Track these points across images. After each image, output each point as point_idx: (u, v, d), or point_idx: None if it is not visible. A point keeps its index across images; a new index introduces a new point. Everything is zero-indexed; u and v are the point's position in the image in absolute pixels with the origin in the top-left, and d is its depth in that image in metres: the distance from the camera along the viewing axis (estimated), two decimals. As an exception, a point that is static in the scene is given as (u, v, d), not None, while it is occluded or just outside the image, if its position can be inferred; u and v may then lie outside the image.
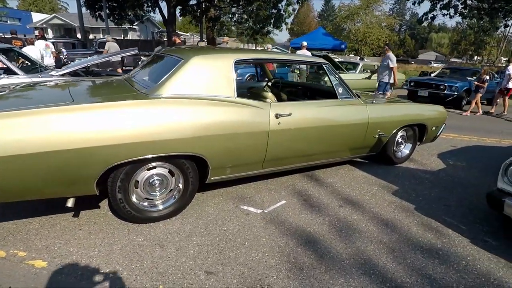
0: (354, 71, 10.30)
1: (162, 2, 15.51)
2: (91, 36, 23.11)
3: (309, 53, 8.64)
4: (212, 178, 2.52)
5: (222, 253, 2.05)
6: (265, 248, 2.12)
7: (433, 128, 3.87)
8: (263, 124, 2.50)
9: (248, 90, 3.40)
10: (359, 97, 3.28)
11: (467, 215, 2.69)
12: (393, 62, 6.99)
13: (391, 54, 7.05)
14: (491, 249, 2.23)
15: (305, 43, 9.18)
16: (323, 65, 3.02)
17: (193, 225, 2.35)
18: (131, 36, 30.71)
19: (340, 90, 3.06)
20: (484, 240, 2.35)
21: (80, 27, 18.72)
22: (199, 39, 17.93)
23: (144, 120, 2.03)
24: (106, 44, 8.65)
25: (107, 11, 16.31)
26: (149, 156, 2.08)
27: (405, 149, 3.88)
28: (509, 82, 8.20)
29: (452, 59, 47.94)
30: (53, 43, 10.29)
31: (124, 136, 1.97)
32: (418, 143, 3.99)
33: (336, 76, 3.06)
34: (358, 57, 38.30)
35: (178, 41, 6.71)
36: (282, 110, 2.61)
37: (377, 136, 3.30)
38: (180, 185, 2.39)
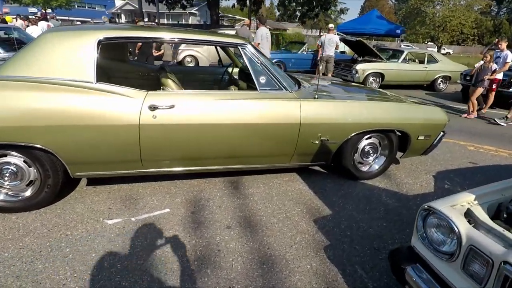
0: (397, 60, 8.82)
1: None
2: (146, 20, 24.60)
3: (268, 32, 6.89)
4: (77, 173, 2.20)
5: (33, 263, 1.74)
6: (81, 267, 1.74)
7: (421, 138, 2.91)
8: (130, 117, 2.07)
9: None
10: (298, 87, 2.59)
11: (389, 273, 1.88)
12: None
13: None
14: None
15: (331, 25, 8.13)
16: (239, 47, 2.40)
17: (42, 223, 2.09)
18: (191, 21, 31.81)
19: (263, 79, 2.42)
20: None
21: (139, 11, 20.00)
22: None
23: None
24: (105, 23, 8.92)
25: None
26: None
27: (375, 162, 3.01)
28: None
29: None
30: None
31: None
32: (400, 157, 3.07)
33: (258, 61, 2.41)
34: (436, 46, 33.53)
35: None
36: (162, 101, 2.13)
37: (318, 141, 2.57)
38: (39, 177, 2.13)
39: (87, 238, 1.98)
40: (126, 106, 2.06)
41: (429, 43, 37.06)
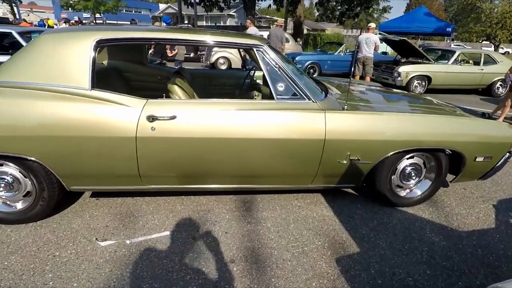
0: (447, 61, 7.91)
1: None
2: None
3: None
4: (72, 187, 2.02)
5: (10, 292, 1.56)
6: (57, 302, 1.52)
7: (479, 159, 2.36)
8: (126, 128, 1.83)
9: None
10: (324, 95, 2.20)
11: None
12: None
13: None
14: None
15: (373, 25, 7.46)
16: (253, 48, 2.07)
17: (34, 239, 1.93)
18: (229, 22, 32.13)
19: (281, 87, 2.06)
20: None
21: (178, 14, 20.54)
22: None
23: None
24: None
25: (198, -1, 17.20)
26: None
27: (417, 187, 2.50)
28: None
29: None
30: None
31: None
32: (451, 181, 2.53)
33: (275, 65, 2.06)
34: (492, 45, 30.39)
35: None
36: (162, 111, 1.86)
37: (346, 161, 2.15)
38: (34, 189, 1.99)
39: (74, 262, 1.77)
40: (122, 116, 1.82)
41: (484, 42, 33.81)
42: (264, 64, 2.06)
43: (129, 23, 10.02)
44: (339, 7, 14.44)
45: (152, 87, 3.31)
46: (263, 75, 3.57)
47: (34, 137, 1.75)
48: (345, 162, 2.15)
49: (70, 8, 27.27)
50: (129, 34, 1.89)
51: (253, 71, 3.46)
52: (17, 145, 1.77)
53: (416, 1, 45.45)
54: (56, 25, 9.21)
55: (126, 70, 3.25)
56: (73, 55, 1.79)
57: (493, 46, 29.85)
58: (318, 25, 37.07)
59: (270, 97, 2.07)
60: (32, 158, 1.81)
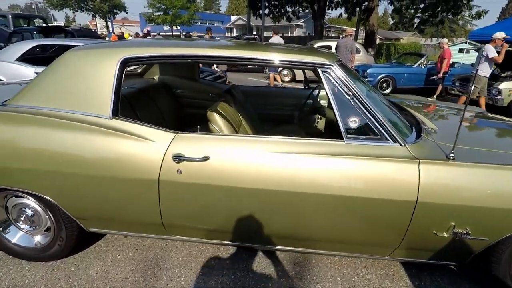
0: None
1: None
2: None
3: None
4: (92, 228, 1.73)
5: None
6: None
7: None
8: (148, 169, 1.46)
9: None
10: (416, 134, 1.56)
11: None
12: None
13: None
14: None
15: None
16: (318, 69, 1.52)
17: (47, 285, 1.67)
18: (296, 32, 31.83)
19: (353, 122, 1.48)
20: None
21: (247, 25, 21.02)
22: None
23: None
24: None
25: (267, 10, 17.26)
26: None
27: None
28: None
29: None
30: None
31: None
32: None
33: (347, 91, 1.48)
34: None
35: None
36: (192, 150, 1.45)
37: (448, 234, 1.45)
38: (52, 227, 1.75)
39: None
40: (143, 153, 1.45)
41: None
42: (331, 89, 1.51)
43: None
44: (419, 14, 12.88)
45: (202, 104, 3.00)
46: (328, 101, 3.02)
47: (47, 173, 1.49)
48: (445, 235, 1.46)
49: (152, 22, 30.15)
50: (161, 51, 1.52)
51: (317, 90, 2.91)
52: (29, 181, 1.53)
53: (515, 5, 39.14)
54: (132, 37, 9.98)
55: (176, 86, 3.00)
56: (94, 76, 1.49)
57: None
58: (392, 33, 34.43)
59: (336, 134, 1.50)
60: (47, 197, 1.55)
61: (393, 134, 1.46)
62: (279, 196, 1.45)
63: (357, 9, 14.19)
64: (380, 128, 1.47)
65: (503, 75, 7.30)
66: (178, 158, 1.42)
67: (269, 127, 2.99)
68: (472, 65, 10.88)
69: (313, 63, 1.53)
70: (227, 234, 1.63)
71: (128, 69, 1.67)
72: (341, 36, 10.48)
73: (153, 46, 1.57)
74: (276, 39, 7.56)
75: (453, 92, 7.66)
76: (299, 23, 29.52)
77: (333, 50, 8.00)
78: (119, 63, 1.48)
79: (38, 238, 1.82)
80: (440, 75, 7.38)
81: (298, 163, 1.44)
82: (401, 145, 1.46)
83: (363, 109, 1.48)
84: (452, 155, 1.43)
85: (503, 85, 6.18)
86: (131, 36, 10.52)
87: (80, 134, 1.46)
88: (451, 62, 9.03)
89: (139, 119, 2.07)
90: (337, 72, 1.51)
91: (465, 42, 14.56)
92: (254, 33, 26.48)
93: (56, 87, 1.52)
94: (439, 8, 11.75)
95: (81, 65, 1.51)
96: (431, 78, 7.74)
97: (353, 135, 1.48)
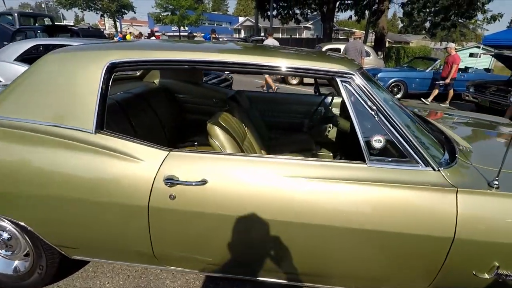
0: None
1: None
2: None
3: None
4: (75, 256, 1.53)
5: None
6: None
7: None
8: (136, 193, 1.25)
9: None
10: (450, 157, 1.33)
11: None
12: None
13: None
14: None
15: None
16: (337, 78, 1.29)
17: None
18: (305, 35, 31.57)
19: (378, 142, 1.25)
20: None
21: (255, 27, 20.87)
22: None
23: None
24: (195, 38, 9.04)
25: (275, 12, 17.05)
26: None
27: None
28: None
29: None
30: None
31: None
32: None
33: (371, 105, 1.25)
34: None
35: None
36: (187, 171, 1.24)
37: (489, 276, 1.22)
38: (31, 254, 1.55)
39: None
40: (130, 174, 1.25)
41: None
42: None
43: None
44: (430, 17, 12.54)
45: (205, 111, 2.80)
46: (342, 102, 2.78)
47: (20, 196, 1.30)
48: (486, 276, 1.23)
49: (160, 22, 30.13)
50: (155, 55, 1.31)
51: (330, 97, 2.69)
52: (1, 205, 1.33)
53: (529, 8, 38.19)
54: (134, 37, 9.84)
55: (178, 91, 2.80)
56: (76, 84, 1.29)
57: None
58: (402, 37, 33.93)
59: (350, 146, 1.28)
60: (21, 223, 1.36)
61: (424, 157, 1.23)
62: (287, 227, 1.24)
63: (367, 12, 13.89)
64: (409, 149, 1.24)
65: (519, 81, 6.99)
66: (171, 182, 1.21)
67: (277, 135, 2.77)
68: (486, 70, 10.56)
69: (330, 72, 1.30)
70: (228, 266, 1.41)
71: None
72: (350, 39, 10.24)
73: (146, 49, 1.36)
74: (271, 41, 7.33)
75: (467, 98, 7.35)
76: (308, 25, 29.24)
77: (342, 52, 7.77)
78: (105, 68, 1.27)
79: (17, 263, 1.62)
80: (448, 80, 7.09)
81: (312, 190, 1.22)
82: (434, 169, 1.23)
83: (389, 126, 1.25)
84: (496, 183, 1.20)
85: (523, 93, 5.89)
86: (134, 36, 10.38)
87: (58, 151, 1.26)
88: (463, 67, 8.73)
89: (133, 129, 1.88)
90: (359, 82, 1.28)
91: (478, 47, 14.18)
92: (262, 34, 26.30)
93: (32, 96, 1.32)
94: (452, 12, 11.40)
95: (61, 71, 1.31)
96: (436, 82, 7.42)
97: (376, 156, 1.26)
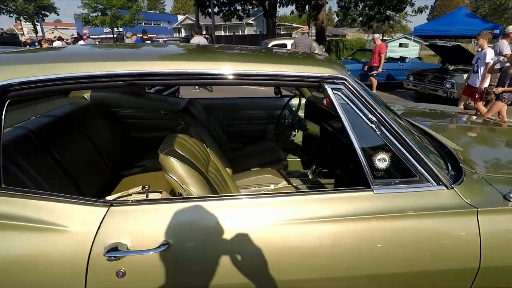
0: (511, 69, 6.58)
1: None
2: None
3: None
4: None
5: None
6: None
7: None
8: (65, 278, 0.84)
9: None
10: (457, 174, 1.14)
11: None
12: None
13: None
14: None
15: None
16: (325, 85, 1.02)
17: None
18: (247, 31, 31.52)
19: (382, 161, 1.01)
20: None
21: (195, 24, 20.14)
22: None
23: None
24: (125, 40, 8.46)
25: (216, 9, 16.59)
26: None
27: None
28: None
29: None
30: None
31: None
32: None
33: (374, 115, 1.01)
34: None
35: None
36: (138, 233, 0.86)
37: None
38: None
39: None
40: (51, 252, 0.83)
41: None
42: (347, 113, 1.02)
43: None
44: (366, 12, 13.26)
45: (154, 126, 2.36)
46: (306, 103, 2.55)
47: None
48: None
49: (89, 24, 27.56)
50: (65, 69, 0.88)
51: (298, 98, 2.45)
52: None
53: (441, 3, 43.22)
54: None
55: (117, 105, 2.32)
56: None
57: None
58: (338, 30, 35.78)
59: (360, 179, 1.03)
60: None
61: (435, 173, 1.03)
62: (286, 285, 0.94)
63: (307, 6, 14.19)
64: (417, 165, 1.02)
65: (451, 68, 7.61)
66: (115, 255, 0.82)
67: (240, 145, 2.46)
68: (419, 58, 11.47)
69: (317, 77, 1.02)
70: None
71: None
72: (296, 34, 10.29)
73: (54, 61, 0.94)
74: (198, 40, 6.75)
75: (407, 86, 7.80)
76: (250, 21, 29.20)
77: (289, 47, 7.70)
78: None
79: None
80: (380, 69, 7.44)
81: (308, 237, 0.93)
82: (447, 187, 1.03)
83: (394, 140, 1.02)
84: (512, 195, 1.04)
85: (456, 79, 6.39)
86: (45, 41, 8.97)
87: None
88: (398, 56, 9.29)
89: (60, 166, 1.41)
90: (353, 88, 1.03)
91: (406, 37, 15.42)
92: (204, 32, 25.58)
93: None
94: (384, 5, 12.18)
95: None
96: (369, 74, 7.73)
97: (381, 179, 1.02)
